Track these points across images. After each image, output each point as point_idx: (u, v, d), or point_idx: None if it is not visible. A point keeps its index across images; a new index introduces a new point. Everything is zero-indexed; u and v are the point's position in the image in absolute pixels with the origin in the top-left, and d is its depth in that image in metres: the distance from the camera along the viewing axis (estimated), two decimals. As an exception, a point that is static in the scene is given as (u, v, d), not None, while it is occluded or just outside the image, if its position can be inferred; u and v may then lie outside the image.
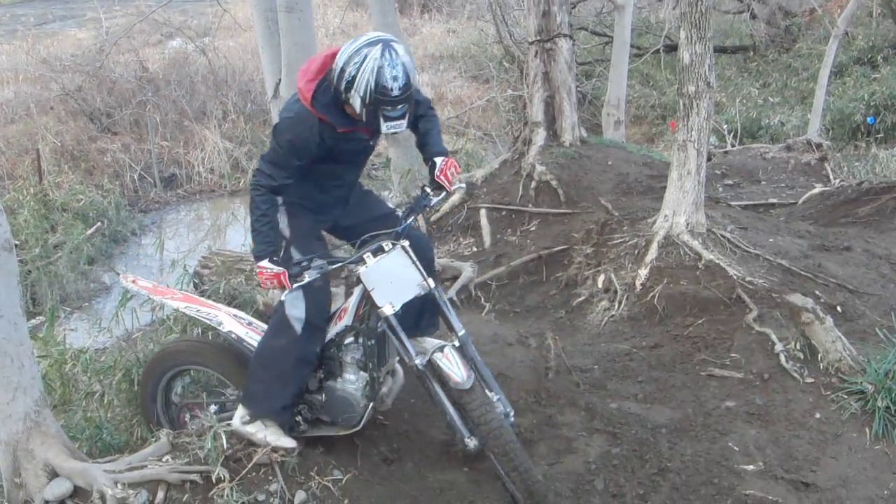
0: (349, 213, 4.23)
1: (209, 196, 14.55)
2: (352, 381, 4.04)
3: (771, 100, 16.09)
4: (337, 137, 3.82)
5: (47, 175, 12.93)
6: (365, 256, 3.83)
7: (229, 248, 7.65)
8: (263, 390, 4.03)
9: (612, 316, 5.59)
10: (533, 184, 7.14)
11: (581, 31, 17.03)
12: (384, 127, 3.68)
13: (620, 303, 5.57)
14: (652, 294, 5.46)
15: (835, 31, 12.16)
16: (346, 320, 4.01)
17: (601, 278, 5.85)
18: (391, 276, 3.84)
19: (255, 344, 4.14)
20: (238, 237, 11.08)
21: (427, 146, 4.18)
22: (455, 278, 5.70)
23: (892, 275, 5.98)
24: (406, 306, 3.96)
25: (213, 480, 3.78)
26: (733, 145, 12.29)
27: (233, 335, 4.24)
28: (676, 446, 4.39)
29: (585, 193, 7.18)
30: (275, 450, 3.97)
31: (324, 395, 4.12)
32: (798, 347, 4.91)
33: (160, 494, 3.72)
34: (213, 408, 4.39)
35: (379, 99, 3.58)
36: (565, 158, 7.45)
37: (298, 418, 4.14)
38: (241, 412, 4.07)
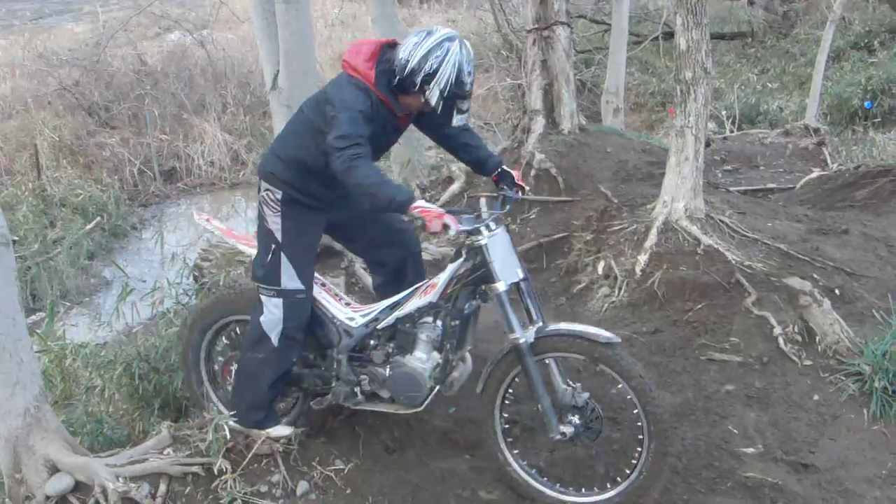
0: (352, 207, 4.17)
1: (210, 189, 14.58)
2: (422, 360, 3.98)
3: (769, 85, 16.10)
4: (383, 124, 3.85)
5: (45, 170, 12.97)
6: (482, 228, 3.78)
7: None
8: (244, 404, 4.10)
9: (613, 302, 5.60)
10: (532, 171, 7.13)
11: (579, 19, 17.03)
12: (455, 119, 3.79)
13: (620, 289, 5.58)
14: (652, 280, 5.47)
15: (832, 16, 12.17)
16: (432, 297, 3.95)
17: (601, 265, 5.86)
18: (503, 254, 3.82)
19: (327, 305, 4.18)
20: (239, 230, 11.08)
21: (490, 158, 4.27)
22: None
23: (889, 257, 5.99)
24: (393, 266, 4.21)
25: (216, 472, 3.83)
26: (732, 131, 12.33)
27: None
28: (677, 430, 4.41)
29: (585, 181, 7.18)
30: (276, 440, 3.99)
31: (389, 370, 4.05)
32: (796, 330, 4.92)
33: (162, 487, 3.76)
34: None
35: (456, 93, 3.70)
36: (564, 146, 7.45)
37: (357, 389, 4.12)
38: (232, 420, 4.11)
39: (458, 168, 7.20)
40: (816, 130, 10.36)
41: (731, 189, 7.86)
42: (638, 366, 3.86)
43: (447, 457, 4.33)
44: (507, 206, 4.13)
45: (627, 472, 3.94)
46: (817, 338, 4.87)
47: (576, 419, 3.88)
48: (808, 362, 4.76)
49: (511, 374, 3.97)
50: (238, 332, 4.48)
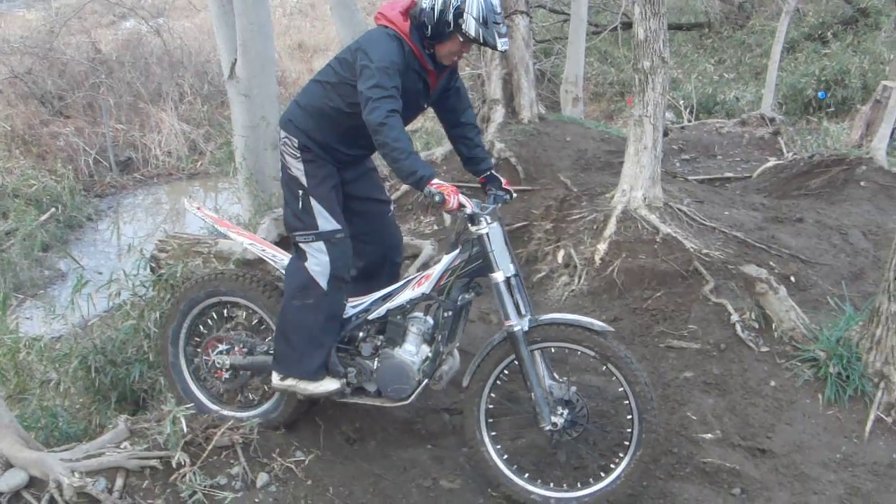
0: (354, 183, 4.16)
1: (167, 180, 14.42)
2: (411, 353, 3.96)
3: (726, 76, 16.26)
4: (413, 80, 3.82)
5: (-3, 161, 12.72)
6: (483, 218, 3.77)
7: (187, 232, 7.55)
8: (296, 353, 3.98)
9: (572, 290, 5.62)
10: (492, 161, 7.13)
11: (539, 9, 17.02)
12: (500, 44, 3.75)
13: (580, 277, 5.60)
14: (611, 268, 5.50)
15: (786, 7, 12.27)
16: (425, 288, 3.95)
17: (561, 254, 5.87)
18: (500, 247, 3.82)
19: None
20: (197, 221, 10.97)
21: (484, 160, 4.32)
22: (415, 256, 5.70)
23: (842, 245, 6.08)
24: (368, 264, 4.19)
25: (174, 465, 3.76)
26: (690, 121, 12.42)
27: None
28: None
29: (544, 170, 7.19)
30: (234, 429, 3.96)
31: (377, 362, 4.02)
32: (753, 317, 4.98)
33: (119, 482, 3.69)
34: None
35: (489, 16, 3.68)
36: (524, 135, 7.46)
37: (343, 381, 4.06)
38: (275, 373, 4.05)
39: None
40: (772, 120, 10.47)
41: (689, 178, 7.92)
42: (631, 355, 3.87)
43: (409, 447, 4.33)
44: (499, 205, 4.11)
45: (612, 467, 3.96)
46: (773, 324, 4.93)
47: (565, 412, 3.88)
48: (764, 349, 4.82)
49: (500, 366, 3.95)
50: (225, 313, 4.43)
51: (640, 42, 5.72)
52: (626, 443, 3.87)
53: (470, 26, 3.66)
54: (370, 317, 4.07)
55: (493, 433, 4.06)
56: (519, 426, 4.33)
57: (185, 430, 3.86)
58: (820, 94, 13.81)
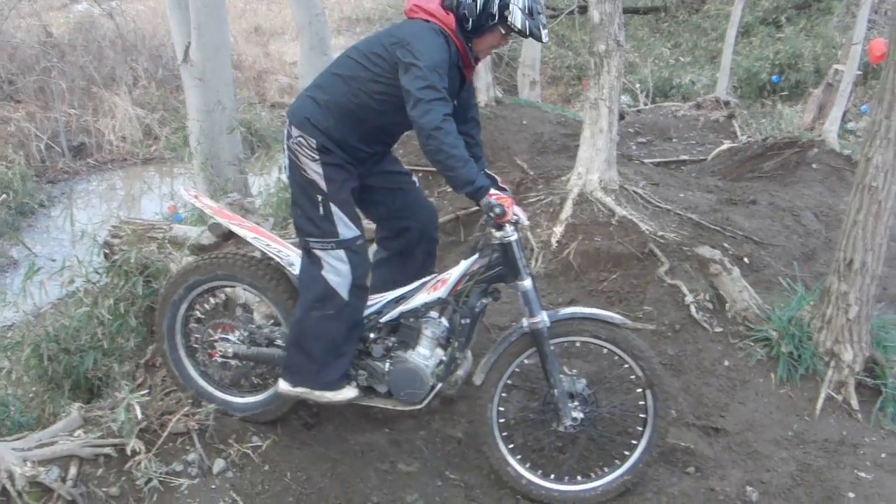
0: (372, 170, 3.98)
1: (121, 165, 14.19)
2: (425, 357, 3.85)
3: (682, 59, 16.39)
4: (453, 78, 3.67)
5: (-56, 146, 12.46)
6: (507, 227, 3.65)
7: (141, 217, 7.47)
8: (315, 364, 3.82)
9: (530, 273, 5.64)
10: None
11: (495, -7, 16.98)
12: (544, 35, 3.70)
13: (537, 260, 5.62)
14: (567, 251, 5.52)
15: (741, -10, 12.37)
16: (441, 292, 3.82)
17: (517, 237, 5.89)
18: (521, 253, 3.74)
19: None
20: (153, 206, 10.85)
21: (480, 159, 4.20)
22: (372, 240, 5.66)
23: (795, 226, 6.18)
24: (405, 242, 4.08)
25: (129, 453, 3.72)
26: (646, 104, 12.50)
27: None
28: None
29: (501, 153, 7.21)
30: (190, 416, 3.93)
31: (389, 365, 3.90)
32: (707, 298, 5.04)
33: (73, 470, 3.65)
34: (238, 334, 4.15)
35: (534, 7, 3.61)
36: (481, 119, 7.43)
37: (354, 384, 3.95)
38: (285, 380, 3.92)
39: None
40: (727, 103, 10.59)
41: (645, 161, 7.99)
42: (649, 349, 3.89)
43: (366, 431, 4.32)
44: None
45: (616, 461, 4.01)
46: (727, 305, 4.99)
47: (583, 406, 3.88)
48: (718, 329, 4.88)
49: (515, 363, 3.92)
50: (223, 298, 4.33)
51: (596, 25, 5.74)
52: (640, 429, 3.92)
53: (516, 18, 3.58)
54: (383, 319, 3.94)
55: (506, 433, 4.04)
56: (531, 423, 4.26)
57: (140, 417, 3.81)
58: (774, 77, 13.97)
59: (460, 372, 3.99)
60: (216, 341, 4.13)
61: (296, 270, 3.88)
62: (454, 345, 3.85)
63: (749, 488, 3.94)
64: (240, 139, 8.69)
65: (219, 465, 3.86)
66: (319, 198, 3.69)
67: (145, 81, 15.74)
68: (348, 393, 3.90)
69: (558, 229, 5.65)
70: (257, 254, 4.10)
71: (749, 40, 16.08)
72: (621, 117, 9.79)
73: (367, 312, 3.93)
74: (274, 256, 3.96)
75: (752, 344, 4.78)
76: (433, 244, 4.26)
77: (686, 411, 4.46)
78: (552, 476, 4.02)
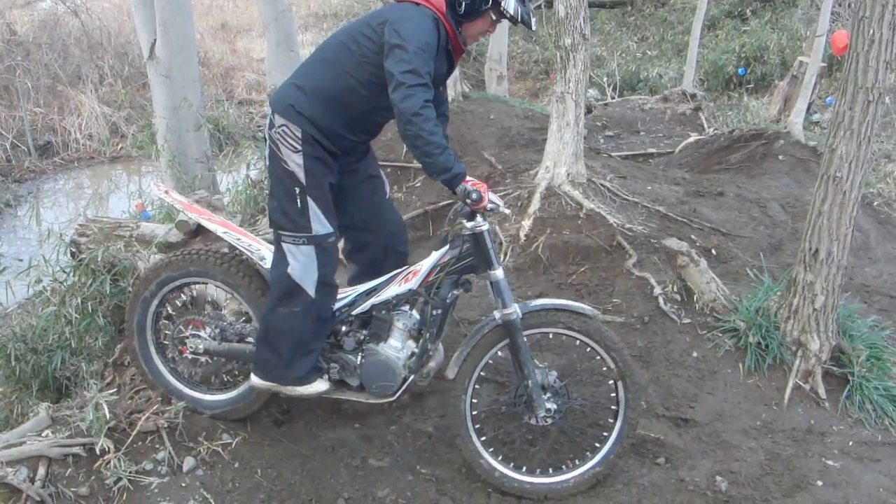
0: (350, 165, 3.89)
1: (88, 163, 14.03)
2: (396, 349, 3.83)
3: (649, 53, 16.46)
4: (440, 63, 3.63)
5: None
6: (479, 217, 3.63)
7: (108, 216, 7.39)
8: (283, 360, 3.79)
9: (498, 267, 5.66)
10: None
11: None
12: (534, 23, 3.73)
13: (506, 254, 5.63)
14: (536, 244, 5.54)
15: (706, -16, 12.46)
16: (412, 284, 3.79)
17: (486, 231, 5.90)
18: (492, 244, 3.73)
19: None
20: (121, 204, 10.75)
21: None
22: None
23: (761, 217, 6.23)
24: (372, 255, 4.02)
25: (98, 452, 3.70)
26: (613, 98, 12.55)
27: None
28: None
29: (469, 148, 7.21)
30: (159, 414, 3.90)
31: (361, 358, 3.88)
32: (675, 290, 5.06)
33: (41, 470, 3.61)
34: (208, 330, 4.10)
35: None
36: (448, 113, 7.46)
37: (325, 377, 3.92)
38: (256, 376, 3.89)
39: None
40: (693, 96, 10.67)
41: (613, 154, 8.02)
42: (620, 340, 3.91)
43: (336, 427, 4.31)
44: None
45: (587, 454, 4.01)
46: (695, 296, 5.02)
47: (555, 397, 3.88)
48: (686, 320, 4.92)
49: (488, 355, 3.90)
50: (193, 295, 4.28)
51: (562, 19, 5.76)
52: (611, 421, 3.94)
53: (509, 4, 3.58)
54: (355, 312, 3.91)
55: (478, 425, 4.02)
56: (503, 415, 4.26)
57: (109, 416, 3.78)
58: (740, 70, 14.08)
59: (432, 364, 3.98)
60: (187, 338, 4.09)
61: (267, 265, 3.84)
62: (426, 336, 3.82)
63: (719, 478, 3.97)
64: (207, 136, 8.64)
65: (189, 463, 3.83)
66: (297, 190, 3.61)
67: (111, 79, 15.58)
68: (319, 386, 3.88)
69: (526, 223, 5.67)
70: (226, 249, 4.08)
71: (715, 33, 16.20)
72: (588, 111, 9.85)
73: (338, 305, 3.90)
74: (245, 251, 3.93)
75: (721, 335, 4.82)
76: (403, 258, 4.20)
77: (655, 402, 4.48)
78: (524, 469, 4.01)
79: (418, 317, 3.87)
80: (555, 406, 3.87)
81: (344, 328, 3.93)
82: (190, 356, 4.13)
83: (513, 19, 3.64)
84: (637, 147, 9.05)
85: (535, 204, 5.75)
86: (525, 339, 3.79)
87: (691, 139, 8.73)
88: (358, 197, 3.96)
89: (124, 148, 14.16)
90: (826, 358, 4.72)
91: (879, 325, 5.20)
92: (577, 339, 3.86)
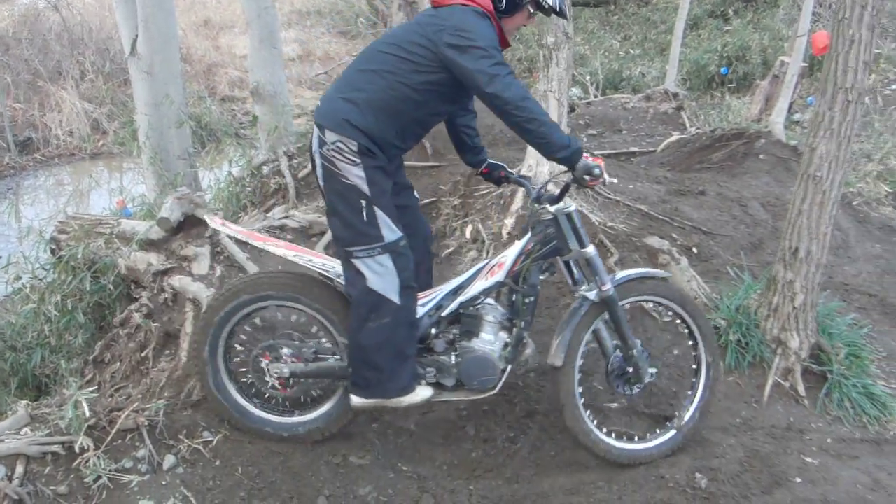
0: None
1: (69, 160, 13.96)
2: (490, 342, 3.89)
3: (632, 52, 16.47)
4: None
5: None
6: (566, 198, 3.82)
7: (88, 213, 7.35)
8: (383, 374, 3.78)
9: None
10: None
11: (447, -14, 16.99)
12: (568, 13, 3.84)
13: (488, 252, 5.62)
14: (518, 242, 5.55)
15: (688, -16, 12.50)
16: (499, 276, 3.85)
17: (469, 229, 5.89)
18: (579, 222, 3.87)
19: None
20: (102, 201, 10.69)
21: (482, 150, 4.32)
22: (322, 234, 5.65)
23: (742, 216, 6.26)
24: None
25: (77, 451, 3.70)
26: (596, 96, 12.56)
27: None
28: (543, 389, 4.51)
29: (451, 145, 7.19)
30: (139, 411, 3.88)
31: (454, 357, 3.92)
32: (657, 288, 5.08)
33: (19, 468, 3.60)
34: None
35: None
36: (432, 112, 7.45)
37: (423, 382, 3.94)
38: (358, 396, 3.87)
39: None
40: (676, 95, 10.71)
41: (595, 152, 8.03)
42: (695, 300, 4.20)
43: (318, 424, 4.31)
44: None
45: (676, 417, 4.24)
46: (676, 294, 5.04)
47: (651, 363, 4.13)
48: (667, 318, 4.92)
49: (587, 333, 4.00)
50: (263, 319, 4.14)
51: (544, 18, 5.75)
52: (693, 380, 4.26)
53: None
54: (444, 313, 3.92)
55: (583, 400, 4.10)
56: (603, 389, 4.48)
57: (88, 413, 3.78)
58: (722, 69, 14.11)
59: (528, 351, 4.04)
60: (269, 364, 3.99)
61: (343, 282, 3.82)
62: (520, 325, 3.90)
63: (698, 475, 3.99)
64: (189, 133, 8.60)
65: (169, 461, 3.83)
66: (363, 203, 3.59)
67: (92, 75, 15.49)
68: (423, 393, 3.89)
69: (509, 221, 5.66)
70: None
71: (698, 33, 16.24)
72: (571, 109, 9.86)
73: (425, 309, 3.90)
74: (320, 271, 3.89)
75: (674, 336, 4.83)
76: (430, 259, 4.28)
77: (636, 400, 4.50)
78: (624, 438, 4.21)
79: (508, 307, 3.94)
80: (655, 370, 4.12)
81: (433, 331, 3.94)
82: (275, 381, 4.02)
83: (550, 10, 3.71)
84: (619, 146, 9.07)
85: (518, 202, 5.75)
86: (624, 310, 3.95)
87: (673, 138, 8.76)
88: (400, 207, 3.90)
89: (105, 144, 14.09)
90: (805, 356, 4.75)
91: (858, 323, 5.25)
92: (659, 302, 4.13)
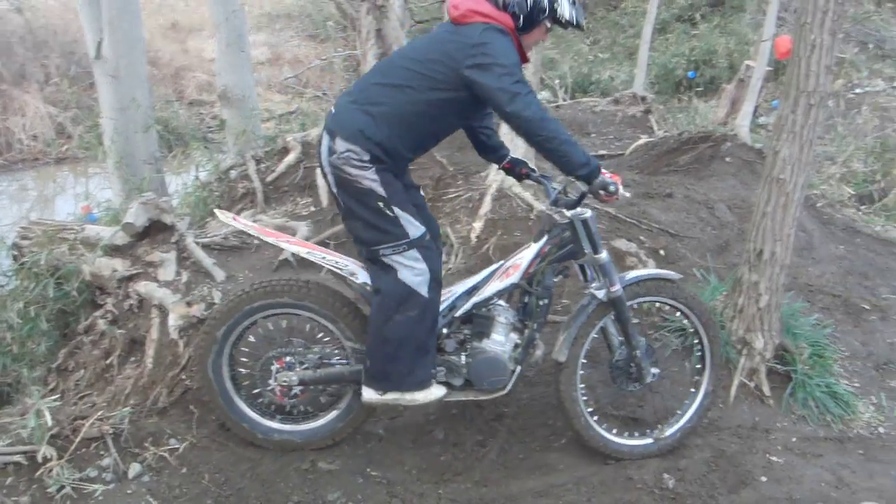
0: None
1: (33, 165, 13.81)
2: (501, 343, 3.94)
3: (600, 56, 16.59)
4: None
5: None
6: (581, 206, 3.87)
7: (53, 218, 7.27)
8: (406, 367, 3.79)
9: (449, 269, 5.64)
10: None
11: (416, -11, 17.03)
12: (585, 20, 3.83)
13: (457, 255, 5.63)
14: (487, 245, 5.55)
15: (656, -11, 12.59)
16: (514, 278, 3.89)
17: (438, 233, 5.91)
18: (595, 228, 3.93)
19: None
20: (67, 207, 10.57)
21: (503, 146, 4.32)
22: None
23: (709, 218, 6.31)
24: None
25: (39, 460, 3.65)
26: (565, 100, 12.62)
27: (368, 287, 3.83)
28: (512, 392, 4.49)
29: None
30: (104, 420, 3.84)
31: (466, 357, 3.95)
32: (624, 290, 5.11)
33: (-20, 479, 3.56)
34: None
35: None
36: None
37: (435, 381, 3.94)
38: (373, 390, 3.86)
39: (293, 139, 7.08)
40: (644, 99, 10.77)
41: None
42: (699, 297, 4.30)
43: (285, 430, 4.28)
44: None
45: (678, 411, 4.35)
46: (644, 296, 5.07)
47: (655, 363, 4.23)
48: (635, 321, 4.94)
49: (592, 332, 4.06)
50: (271, 326, 4.12)
51: None
52: (697, 378, 4.35)
53: (565, 9, 3.67)
54: (457, 314, 3.95)
55: (585, 398, 4.17)
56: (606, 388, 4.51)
57: (51, 422, 3.74)
58: (689, 73, 14.25)
59: (538, 352, 4.09)
60: (277, 373, 3.98)
61: (358, 279, 3.85)
62: (532, 326, 3.95)
63: (666, 475, 4.01)
64: (156, 137, 8.52)
65: (134, 469, 3.80)
66: (381, 204, 3.61)
67: (57, 78, 15.35)
68: (437, 391, 3.90)
69: (478, 224, 5.68)
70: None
71: (665, 37, 16.37)
72: (540, 113, 9.88)
73: (440, 309, 3.91)
74: (333, 268, 3.88)
75: (668, 334, 4.87)
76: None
77: (605, 402, 4.52)
78: (626, 434, 4.28)
79: (523, 308, 4.00)
80: (657, 370, 4.18)
81: (444, 331, 3.97)
82: (283, 390, 4.01)
83: (569, 23, 3.73)
84: (588, 149, 9.09)
85: (486, 206, 5.76)
86: (630, 311, 4.02)
87: (641, 141, 8.81)
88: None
89: (70, 149, 13.94)
90: (770, 356, 4.80)
91: (821, 323, 5.31)
92: (668, 303, 4.23)
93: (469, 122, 4.01)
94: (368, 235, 3.69)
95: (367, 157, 3.56)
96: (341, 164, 3.59)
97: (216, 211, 4.16)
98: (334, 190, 3.74)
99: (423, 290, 3.68)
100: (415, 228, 3.67)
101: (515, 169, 4.30)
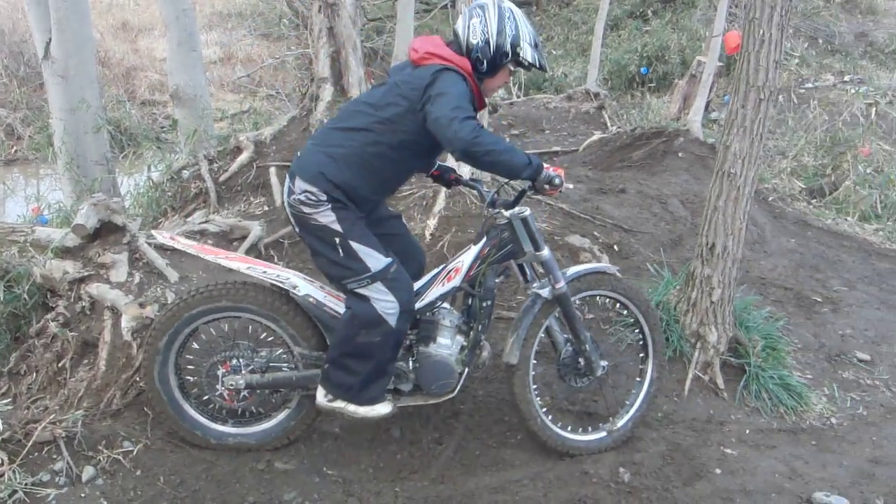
0: (371, 223, 3.86)
1: (-18, 167, 13.57)
2: (447, 346, 3.94)
3: (554, 52, 16.65)
4: None
5: None
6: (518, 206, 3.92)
7: (2, 220, 7.15)
8: (359, 381, 3.80)
9: (405, 267, 5.66)
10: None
11: (369, -13, 16.95)
12: (546, 65, 3.85)
13: (411, 254, 5.63)
14: (441, 243, 5.54)
15: (608, -15, 12.67)
16: (456, 281, 3.90)
17: (393, 230, 5.89)
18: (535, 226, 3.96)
19: (337, 309, 3.85)
20: (17, 209, 10.39)
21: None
22: (244, 237, 5.58)
23: (662, 213, 6.37)
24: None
25: (-10, 465, 3.58)
26: (519, 97, 12.65)
27: (311, 300, 3.83)
28: (468, 389, 4.52)
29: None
30: (56, 423, 3.79)
31: (413, 363, 3.96)
32: (578, 286, 5.14)
33: (-72, 486, 3.49)
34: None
35: (536, 39, 3.75)
36: (352, 113, 7.41)
37: (388, 397, 3.95)
38: (323, 393, 3.87)
39: (246, 138, 7.02)
40: (597, 95, 10.82)
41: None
42: (639, 289, 4.44)
43: (242, 430, 4.25)
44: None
45: (627, 402, 4.43)
46: (598, 292, 5.10)
47: (602, 355, 4.27)
48: (590, 315, 5.00)
49: (540, 331, 4.09)
50: (213, 331, 4.09)
51: (464, 19, 5.77)
52: (641, 367, 4.44)
53: (527, 53, 3.68)
54: None
55: (538, 397, 4.21)
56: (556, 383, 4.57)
57: (2, 427, 3.68)
58: (642, 69, 14.35)
59: (485, 353, 4.14)
60: (224, 377, 3.97)
61: (300, 292, 3.83)
62: (477, 328, 3.96)
63: (622, 469, 4.05)
64: (107, 138, 8.41)
65: (88, 472, 3.74)
66: (337, 240, 3.66)
67: (6, 79, 15.10)
68: (382, 409, 3.91)
69: (432, 222, 5.67)
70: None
71: (618, 33, 16.49)
72: (494, 110, 9.92)
73: None
74: (274, 282, 3.86)
75: (622, 329, 4.91)
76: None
77: (560, 397, 4.56)
78: (580, 430, 4.32)
79: (461, 311, 4.02)
80: (605, 362, 4.24)
81: None
82: (229, 393, 4.00)
83: (532, 66, 3.74)
84: (542, 145, 9.13)
85: (440, 203, 5.77)
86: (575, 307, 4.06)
87: (595, 137, 8.85)
88: (384, 237, 3.91)
89: (20, 150, 13.73)
90: (724, 349, 4.86)
91: (774, 316, 5.39)
92: (609, 296, 4.25)
93: (430, 160, 4.06)
94: (333, 271, 3.76)
95: (323, 198, 3.61)
96: (297, 203, 3.66)
97: (154, 232, 4.16)
98: (297, 230, 3.80)
99: (392, 321, 3.71)
100: (376, 261, 3.68)
101: (444, 176, 4.31)
